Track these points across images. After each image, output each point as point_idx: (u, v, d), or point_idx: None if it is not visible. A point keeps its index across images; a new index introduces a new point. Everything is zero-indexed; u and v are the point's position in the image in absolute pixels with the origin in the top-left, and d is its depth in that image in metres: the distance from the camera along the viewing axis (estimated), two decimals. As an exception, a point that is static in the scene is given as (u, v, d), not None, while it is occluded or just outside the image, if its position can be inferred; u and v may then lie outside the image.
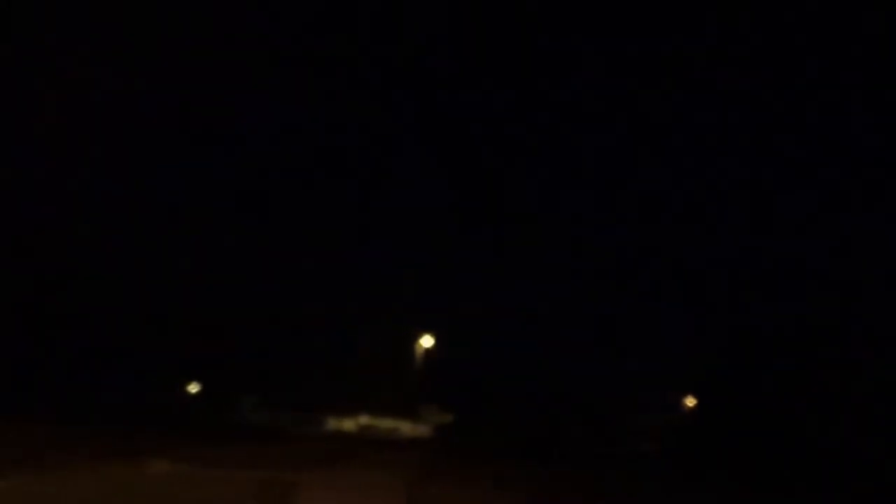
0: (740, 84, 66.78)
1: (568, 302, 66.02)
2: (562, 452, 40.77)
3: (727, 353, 47.59)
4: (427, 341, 51.78)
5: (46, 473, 13.30)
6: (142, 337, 50.69)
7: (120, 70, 44.37)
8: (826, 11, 58.56)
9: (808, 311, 44.19)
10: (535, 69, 69.31)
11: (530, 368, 56.92)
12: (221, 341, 53.97)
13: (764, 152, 65.28)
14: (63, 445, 19.95)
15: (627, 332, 59.96)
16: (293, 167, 70.61)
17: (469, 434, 48.48)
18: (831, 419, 36.07)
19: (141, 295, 51.18)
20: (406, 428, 46.97)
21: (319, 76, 66.51)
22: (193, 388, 57.76)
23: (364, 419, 47.44)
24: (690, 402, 57.54)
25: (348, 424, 46.93)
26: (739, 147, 69.25)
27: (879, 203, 56.98)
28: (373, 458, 24.25)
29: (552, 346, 57.21)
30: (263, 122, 67.48)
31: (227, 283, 54.96)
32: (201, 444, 23.43)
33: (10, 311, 43.10)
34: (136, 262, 50.68)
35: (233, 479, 14.82)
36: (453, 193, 75.59)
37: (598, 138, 72.83)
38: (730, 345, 47.78)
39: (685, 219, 67.70)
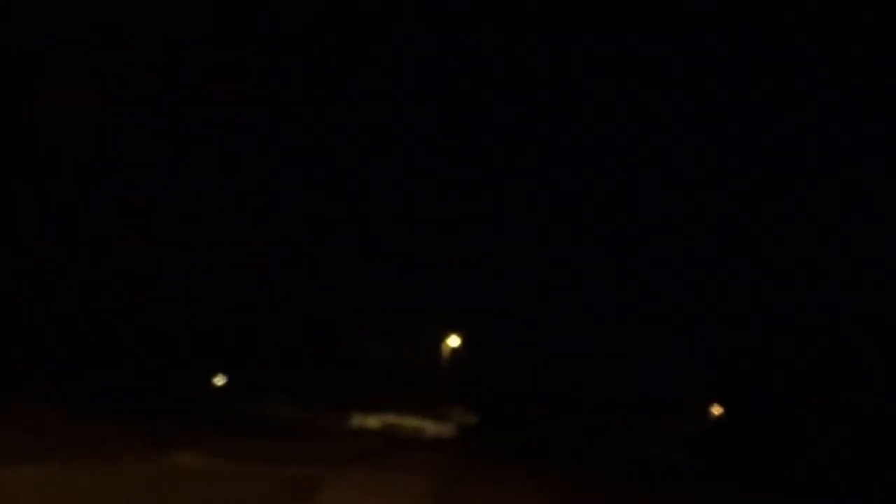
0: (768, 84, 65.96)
1: (597, 304, 65.73)
2: (586, 456, 40.56)
3: (758, 360, 47.12)
4: (454, 341, 51.69)
5: (75, 462, 13.31)
6: (171, 328, 51.00)
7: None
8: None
9: (844, 318, 43.71)
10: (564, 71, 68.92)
11: (556, 370, 56.77)
12: (250, 335, 54.22)
13: (792, 155, 64.51)
14: (91, 434, 20.03)
15: (655, 337, 59.69)
16: (322, 164, 70.65)
17: (494, 435, 48.32)
18: (867, 432, 35.52)
19: (173, 287, 51.51)
20: (431, 427, 46.73)
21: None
22: (220, 380, 58.00)
23: (389, 417, 47.25)
24: (717, 410, 57.07)
25: (373, 422, 46.74)
26: (769, 150, 68.41)
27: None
28: (399, 458, 24.17)
29: (579, 348, 57.06)
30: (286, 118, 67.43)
31: (257, 279, 55.19)
32: (228, 437, 23.43)
33: (44, 299, 43.47)
34: (170, 257, 50.98)
35: (259, 474, 14.78)
36: (482, 192, 75.40)
37: (621, 136, 72.47)
38: (761, 353, 47.31)
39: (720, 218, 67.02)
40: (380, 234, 64.69)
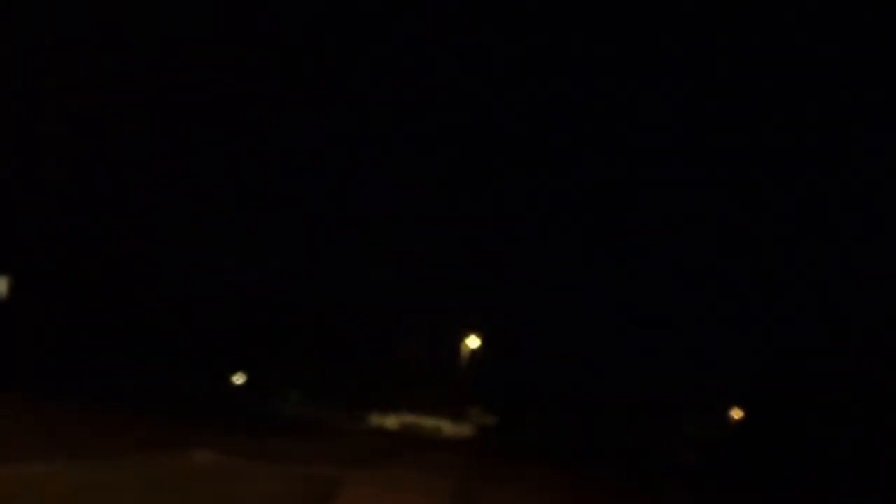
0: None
1: (615, 306, 65.41)
2: (605, 459, 40.34)
3: (778, 365, 46.72)
4: (473, 342, 51.55)
5: (92, 459, 13.22)
6: (192, 326, 51.10)
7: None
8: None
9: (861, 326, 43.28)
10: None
11: (576, 371, 56.55)
12: (270, 334, 54.27)
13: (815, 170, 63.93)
14: (108, 431, 20.00)
15: (675, 339, 59.39)
16: (345, 165, 70.64)
17: (512, 435, 48.17)
18: (885, 436, 35.13)
19: (192, 286, 51.61)
20: (448, 427, 46.67)
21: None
22: (239, 378, 58.10)
23: (407, 417, 47.21)
24: (737, 413, 56.64)
25: (391, 421, 46.72)
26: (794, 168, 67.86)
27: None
28: (417, 458, 24.02)
29: (597, 351, 56.83)
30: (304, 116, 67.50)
31: (278, 279, 55.25)
32: (246, 436, 23.37)
33: (63, 296, 43.61)
34: (189, 255, 51.09)
35: (277, 472, 14.64)
36: (500, 193, 75.19)
37: (637, 135, 72.05)
38: (782, 357, 46.92)
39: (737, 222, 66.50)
40: (400, 235, 64.61)
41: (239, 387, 57.48)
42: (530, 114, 74.79)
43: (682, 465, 43.96)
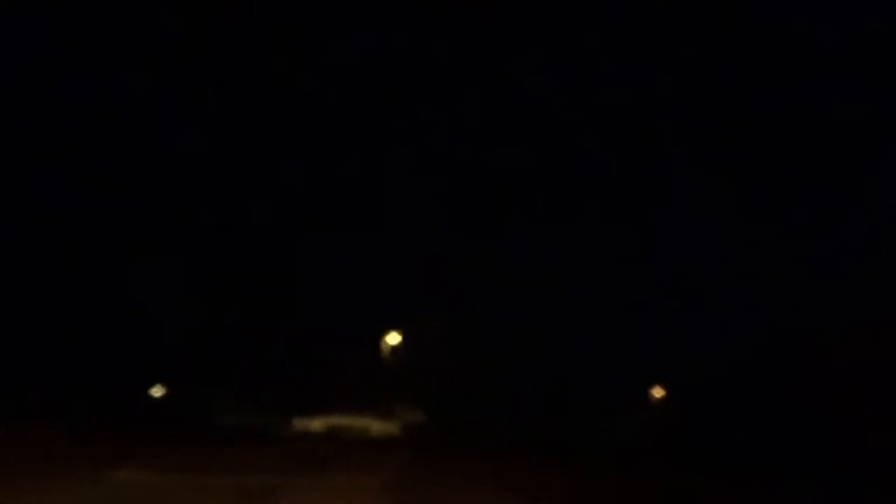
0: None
1: (536, 294, 65.50)
2: (536, 445, 40.46)
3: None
4: (394, 338, 51.20)
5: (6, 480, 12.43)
6: (106, 338, 49.84)
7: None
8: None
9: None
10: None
11: (500, 361, 56.59)
12: (188, 343, 53.18)
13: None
14: (21, 449, 19.00)
15: (601, 323, 59.92)
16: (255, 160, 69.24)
17: (443, 431, 47.93)
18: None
19: (104, 295, 50.33)
20: (377, 426, 46.18)
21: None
22: (157, 391, 56.71)
23: (333, 419, 46.57)
24: (658, 392, 57.42)
25: (316, 424, 46.02)
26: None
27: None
28: (349, 458, 23.57)
29: (521, 339, 56.90)
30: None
31: (192, 284, 54.15)
32: (171, 449, 22.56)
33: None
34: (98, 262, 49.79)
35: (208, 484, 14.03)
36: (417, 183, 74.67)
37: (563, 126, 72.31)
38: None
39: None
40: (318, 233, 63.66)
41: (159, 399, 56.12)
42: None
43: (619, 449, 44.21)
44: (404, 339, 51.45)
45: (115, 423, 36.18)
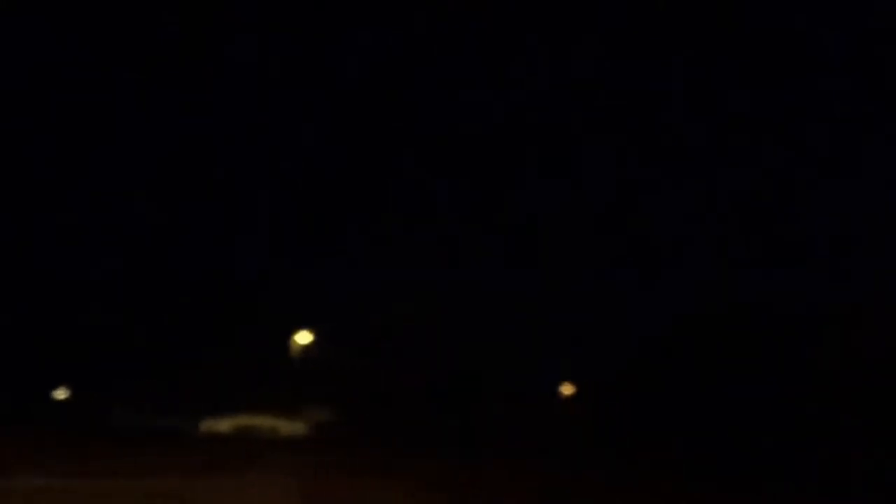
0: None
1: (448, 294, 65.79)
2: (450, 444, 40.62)
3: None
4: (304, 337, 50.85)
5: None
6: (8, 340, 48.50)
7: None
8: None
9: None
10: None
11: (408, 358, 56.64)
12: (90, 343, 51.98)
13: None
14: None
15: (513, 320, 60.41)
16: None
17: (353, 430, 47.79)
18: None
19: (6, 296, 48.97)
20: (285, 426, 45.90)
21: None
22: (61, 393, 55.23)
23: (241, 419, 46.13)
24: (567, 389, 58.03)
25: (224, 425, 45.51)
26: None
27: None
28: (257, 459, 23.41)
29: (430, 337, 57.01)
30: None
31: (95, 282, 53.02)
32: (74, 454, 22.05)
33: None
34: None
35: (113, 490, 13.79)
36: (323, 182, 74.39)
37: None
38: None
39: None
40: (226, 231, 62.92)
41: (62, 402, 54.63)
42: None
43: (541, 444, 44.61)
44: (316, 338, 51.13)
45: (15, 427, 35.17)
